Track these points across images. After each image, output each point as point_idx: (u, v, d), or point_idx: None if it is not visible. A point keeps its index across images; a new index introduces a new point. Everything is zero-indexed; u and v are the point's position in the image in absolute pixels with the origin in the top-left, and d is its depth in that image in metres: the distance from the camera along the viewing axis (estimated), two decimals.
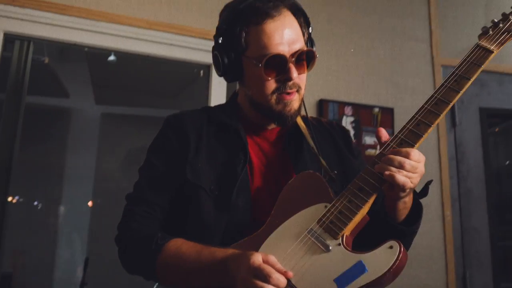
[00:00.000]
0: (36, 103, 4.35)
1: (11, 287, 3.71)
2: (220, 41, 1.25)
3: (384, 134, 1.16)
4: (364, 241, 1.11)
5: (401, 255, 1.05)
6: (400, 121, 2.72)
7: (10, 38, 2.34)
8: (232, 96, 1.39)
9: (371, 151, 2.61)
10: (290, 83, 1.21)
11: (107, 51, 2.63)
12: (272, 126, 1.32)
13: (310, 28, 1.31)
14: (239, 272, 1.03)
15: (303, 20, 1.28)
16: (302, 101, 1.28)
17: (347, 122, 2.59)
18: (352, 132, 2.59)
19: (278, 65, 1.19)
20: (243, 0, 1.23)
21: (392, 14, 2.90)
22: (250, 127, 1.31)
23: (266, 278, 0.99)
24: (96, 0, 2.36)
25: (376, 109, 2.67)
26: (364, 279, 1.04)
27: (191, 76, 3.30)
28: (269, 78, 1.20)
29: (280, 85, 1.21)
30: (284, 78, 1.20)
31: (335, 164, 1.31)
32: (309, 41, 1.32)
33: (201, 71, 2.64)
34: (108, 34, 2.33)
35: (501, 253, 2.87)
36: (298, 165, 1.27)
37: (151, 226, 1.22)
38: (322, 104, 2.57)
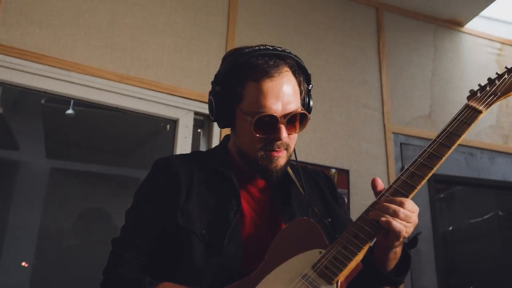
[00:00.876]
0: None
1: None
2: (217, 89, 1.29)
3: (379, 183, 1.21)
4: None
5: None
6: (355, 182, 2.85)
7: None
8: (223, 140, 1.43)
9: None
10: (279, 142, 1.25)
11: (65, 105, 2.66)
12: None
13: (310, 85, 1.36)
14: None
15: (303, 79, 1.33)
16: (294, 151, 1.33)
17: None
18: None
19: (269, 125, 1.23)
20: (246, 54, 1.26)
21: (348, 81, 3.11)
22: (240, 174, 1.34)
23: None
24: (71, 52, 2.41)
25: (333, 170, 2.79)
26: None
27: (152, 131, 3.35)
28: (258, 136, 1.24)
29: (268, 143, 1.25)
30: (273, 137, 1.24)
31: (321, 212, 1.35)
32: (307, 97, 1.36)
33: (168, 126, 2.69)
34: (80, 84, 2.38)
35: None
36: (286, 212, 1.30)
37: (138, 273, 1.21)
38: None
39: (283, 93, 1.23)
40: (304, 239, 1.20)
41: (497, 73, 1.38)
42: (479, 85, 1.37)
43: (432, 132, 3.12)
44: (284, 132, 1.23)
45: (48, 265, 4.52)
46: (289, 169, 1.37)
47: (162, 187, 1.29)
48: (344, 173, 2.83)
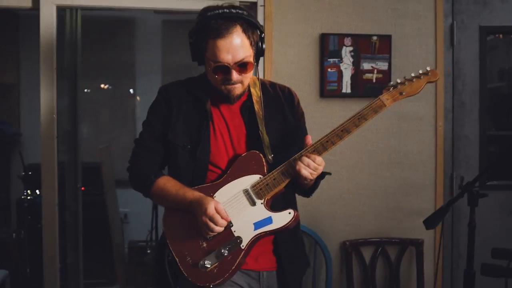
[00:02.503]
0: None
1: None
2: (191, 41, 1.79)
3: (309, 141, 1.76)
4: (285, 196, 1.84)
5: (293, 219, 1.75)
6: (397, 47, 3.06)
7: None
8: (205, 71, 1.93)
9: (368, 75, 3.03)
10: (232, 81, 1.77)
11: None
12: None
13: (263, 34, 1.81)
14: (199, 213, 1.72)
15: (253, 33, 1.77)
16: (258, 77, 1.89)
17: (346, 51, 3.00)
18: (351, 60, 3.01)
19: (223, 70, 1.75)
20: (208, 17, 1.73)
21: None
22: (217, 98, 1.88)
23: (216, 223, 1.69)
24: None
25: (375, 37, 3.03)
26: (269, 227, 1.76)
27: None
28: (217, 77, 1.77)
29: (225, 81, 1.78)
30: (227, 78, 1.77)
31: (278, 124, 1.90)
32: (260, 42, 1.81)
33: None
34: None
35: (489, 157, 3.28)
36: (250, 128, 1.86)
37: (149, 166, 1.90)
38: (323, 38, 2.98)
39: (232, 47, 1.71)
40: (253, 165, 1.81)
41: (411, 74, 1.77)
42: (395, 80, 1.77)
43: None
44: (234, 75, 1.75)
45: None
46: (257, 91, 1.89)
47: (162, 108, 1.90)
48: (386, 39, 3.04)
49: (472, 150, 3.23)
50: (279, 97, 1.96)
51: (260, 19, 2.93)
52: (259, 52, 1.82)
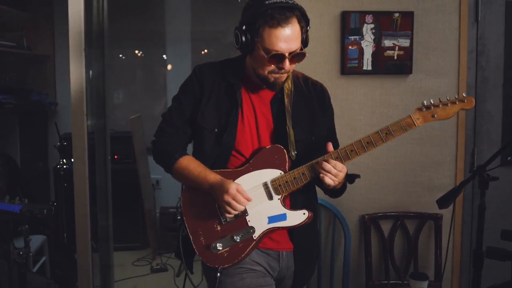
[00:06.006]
0: None
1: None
2: (243, 28, 1.80)
3: (330, 148, 1.82)
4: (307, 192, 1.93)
5: (306, 219, 1.84)
6: (419, 23, 3.04)
7: None
8: (241, 56, 1.96)
9: (389, 52, 3.04)
10: (283, 70, 1.82)
11: None
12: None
13: (308, 27, 1.85)
14: (220, 194, 1.80)
15: (305, 25, 1.82)
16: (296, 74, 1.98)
17: (367, 29, 3.00)
18: (372, 38, 3.01)
19: (278, 59, 1.79)
20: (267, 5, 1.74)
21: None
22: (250, 86, 1.94)
23: (238, 201, 1.77)
24: None
25: (396, 14, 3.02)
26: (282, 224, 1.87)
27: None
28: (270, 65, 1.81)
29: (276, 69, 1.82)
30: (279, 67, 1.81)
31: (305, 121, 1.95)
32: (306, 36, 1.86)
33: None
34: None
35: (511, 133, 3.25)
36: (277, 121, 1.91)
37: (174, 144, 1.97)
38: (344, 16, 2.99)
39: (289, 37, 1.75)
40: (276, 160, 1.88)
41: (447, 98, 1.77)
42: (429, 101, 1.77)
43: None
44: (287, 64, 1.80)
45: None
46: (289, 85, 1.95)
47: (195, 88, 1.95)
48: (408, 15, 3.02)
49: (495, 125, 3.22)
50: (310, 93, 2.00)
51: None
52: (303, 44, 1.86)
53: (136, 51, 5.58)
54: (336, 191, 1.95)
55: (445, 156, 3.17)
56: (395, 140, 3.03)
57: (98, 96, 3.44)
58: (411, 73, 3.05)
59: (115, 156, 4.81)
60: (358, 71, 3.03)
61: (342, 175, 1.79)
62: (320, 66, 3.00)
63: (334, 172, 1.76)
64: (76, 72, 2.96)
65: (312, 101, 1.98)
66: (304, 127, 1.93)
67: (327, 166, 1.76)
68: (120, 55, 5.56)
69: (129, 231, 4.82)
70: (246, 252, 1.84)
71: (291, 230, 1.91)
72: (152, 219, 4.91)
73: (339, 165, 1.77)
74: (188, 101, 1.95)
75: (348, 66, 3.03)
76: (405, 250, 3.18)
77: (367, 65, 3.03)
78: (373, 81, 3.04)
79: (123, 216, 4.58)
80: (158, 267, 4.47)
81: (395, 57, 3.03)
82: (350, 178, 1.89)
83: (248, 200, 1.79)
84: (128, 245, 4.81)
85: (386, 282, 3.09)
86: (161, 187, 5.44)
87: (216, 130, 1.90)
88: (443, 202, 2.29)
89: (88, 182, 3.05)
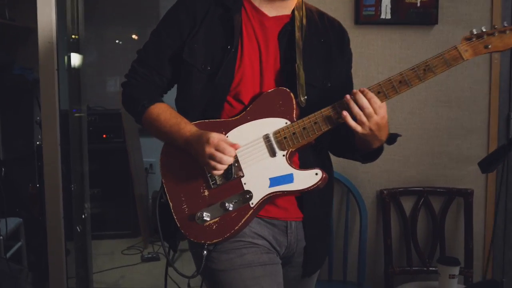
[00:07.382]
0: None
1: None
2: None
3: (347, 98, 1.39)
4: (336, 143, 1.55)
5: (320, 181, 1.40)
6: None
7: None
8: None
9: None
10: None
11: None
12: (273, 13, 1.53)
13: None
14: (200, 148, 1.38)
15: None
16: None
17: None
18: None
19: None
20: None
21: None
22: (253, 13, 1.53)
23: (223, 151, 1.36)
24: None
25: None
26: (288, 187, 1.42)
27: None
28: None
29: None
30: None
31: (319, 61, 1.55)
32: None
33: None
34: None
35: None
36: (285, 58, 1.50)
37: (146, 88, 1.57)
38: None
39: None
40: (280, 106, 1.46)
41: (504, 24, 1.38)
42: (481, 29, 1.38)
43: None
44: None
45: None
46: (301, 17, 1.54)
47: (181, 19, 1.54)
48: None
49: None
50: (326, 31, 1.61)
51: None
52: None
53: (132, 32, 5.27)
54: (369, 152, 1.50)
55: (476, 122, 2.84)
56: (417, 102, 2.75)
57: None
58: (436, 23, 2.72)
59: (103, 135, 4.48)
60: (375, 20, 2.70)
61: (376, 118, 1.35)
62: (331, 14, 2.55)
63: (368, 111, 1.34)
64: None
65: (329, 39, 1.59)
66: (318, 69, 1.54)
67: (361, 99, 1.34)
68: (119, 39, 5.28)
69: (119, 217, 4.58)
70: (240, 224, 1.42)
71: (300, 196, 1.50)
72: (143, 205, 4.58)
73: (377, 101, 1.35)
74: (170, 35, 1.55)
75: (364, 14, 2.68)
76: (430, 231, 2.85)
77: (386, 13, 2.69)
78: (393, 33, 2.74)
79: (113, 201, 4.41)
80: (150, 256, 4.20)
81: (418, 4, 2.69)
82: (390, 137, 1.46)
83: (236, 148, 1.40)
84: (118, 232, 4.56)
85: (408, 268, 2.79)
86: (155, 171, 5.06)
87: (209, 68, 1.49)
88: (486, 164, 1.87)
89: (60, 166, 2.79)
